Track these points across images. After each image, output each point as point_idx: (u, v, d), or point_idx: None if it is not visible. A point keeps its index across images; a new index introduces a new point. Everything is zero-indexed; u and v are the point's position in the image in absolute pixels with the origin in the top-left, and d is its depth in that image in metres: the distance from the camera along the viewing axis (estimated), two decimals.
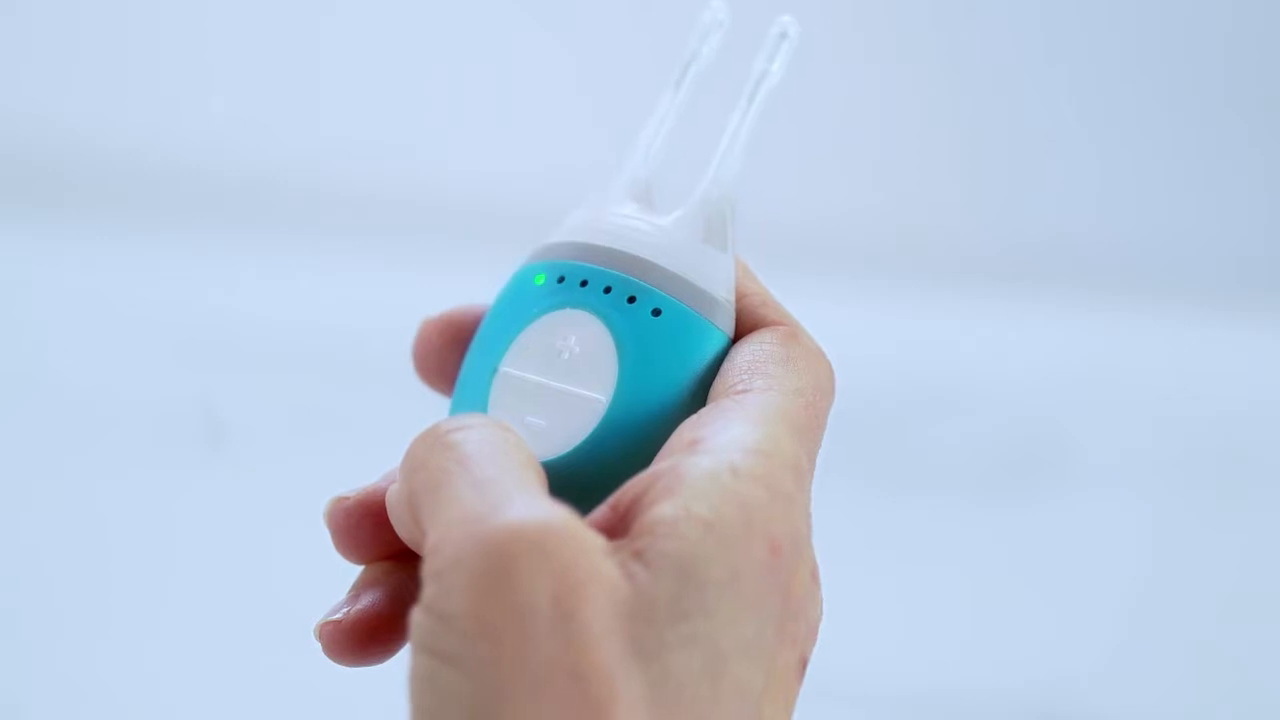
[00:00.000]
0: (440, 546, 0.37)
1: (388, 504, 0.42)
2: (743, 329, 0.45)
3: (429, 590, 0.36)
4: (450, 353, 0.48)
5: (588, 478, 0.43)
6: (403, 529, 0.42)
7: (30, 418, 1.10)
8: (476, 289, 0.52)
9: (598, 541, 0.37)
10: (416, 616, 0.36)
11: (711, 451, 0.39)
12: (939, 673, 0.94)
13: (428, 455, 0.39)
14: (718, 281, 0.45)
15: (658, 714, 0.35)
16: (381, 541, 0.44)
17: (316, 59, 1.44)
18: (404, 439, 0.40)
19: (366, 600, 0.44)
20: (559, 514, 0.37)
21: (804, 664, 0.40)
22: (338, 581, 0.46)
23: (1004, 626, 0.99)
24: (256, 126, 1.42)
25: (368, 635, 0.43)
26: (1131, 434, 1.19)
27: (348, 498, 0.45)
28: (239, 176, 1.39)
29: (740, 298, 0.45)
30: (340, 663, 0.43)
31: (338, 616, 0.43)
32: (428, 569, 0.37)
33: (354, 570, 0.46)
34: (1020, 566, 1.04)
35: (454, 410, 0.46)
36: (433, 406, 0.49)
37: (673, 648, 0.36)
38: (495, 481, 0.37)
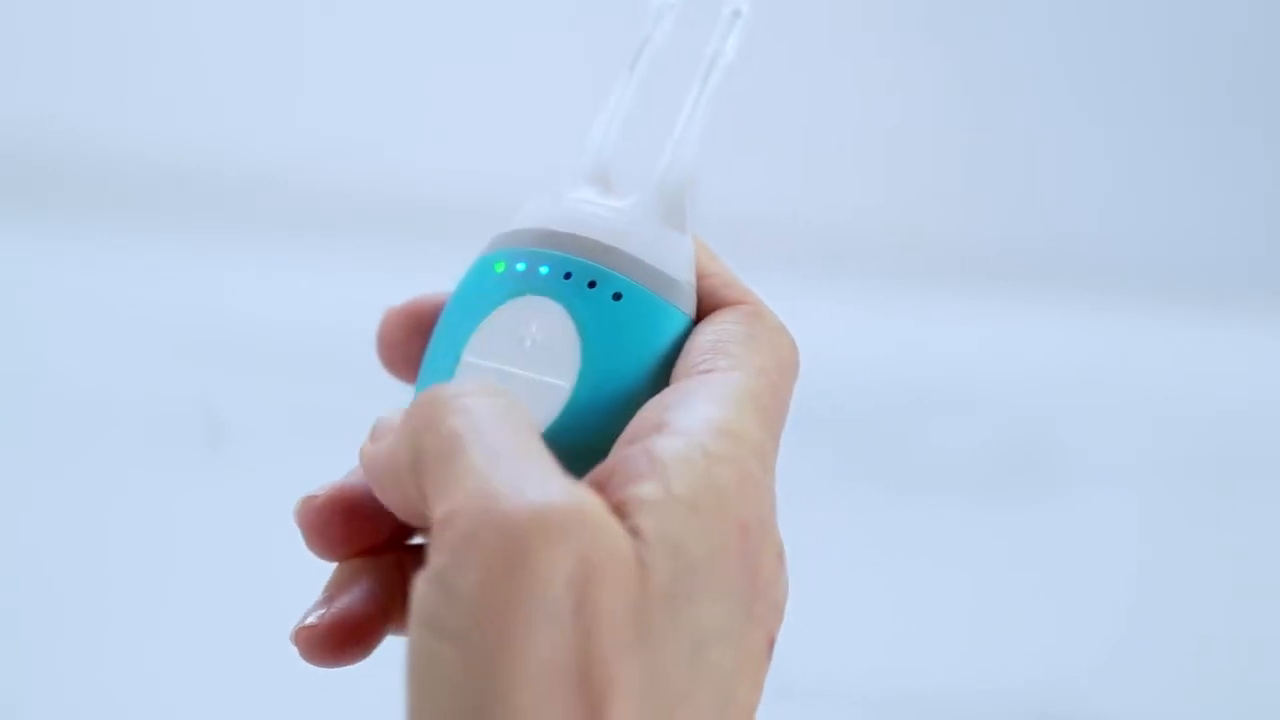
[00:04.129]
0: (453, 519, 0.36)
1: (374, 465, 0.41)
2: (705, 309, 0.45)
3: (438, 561, 0.35)
4: (414, 342, 0.48)
5: None
6: (395, 491, 0.40)
7: (30, 418, 1.10)
8: None
9: (616, 523, 0.36)
10: (421, 586, 0.36)
11: (681, 433, 0.39)
12: (939, 673, 0.94)
13: (438, 419, 0.38)
14: (678, 263, 0.45)
15: (649, 698, 0.35)
16: (353, 538, 0.44)
17: (317, 60, 1.44)
18: None
19: (342, 602, 0.43)
20: (579, 495, 0.36)
21: (771, 644, 0.39)
22: None
23: (1004, 626, 0.99)
24: (255, 127, 1.42)
25: (345, 636, 0.43)
26: (1130, 434, 1.19)
27: (317, 496, 0.44)
28: (238, 177, 1.39)
29: (701, 278, 0.45)
30: (318, 665, 0.43)
31: (312, 621, 0.43)
32: (438, 540, 0.36)
33: None
34: (1019, 566, 1.04)
35: None
36: None
37: (667, 631, 0.36)
38: (512, 455, 0.37)
